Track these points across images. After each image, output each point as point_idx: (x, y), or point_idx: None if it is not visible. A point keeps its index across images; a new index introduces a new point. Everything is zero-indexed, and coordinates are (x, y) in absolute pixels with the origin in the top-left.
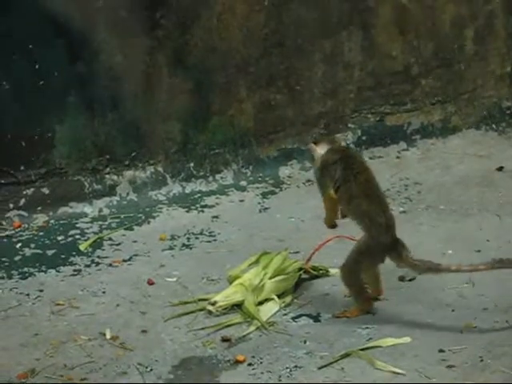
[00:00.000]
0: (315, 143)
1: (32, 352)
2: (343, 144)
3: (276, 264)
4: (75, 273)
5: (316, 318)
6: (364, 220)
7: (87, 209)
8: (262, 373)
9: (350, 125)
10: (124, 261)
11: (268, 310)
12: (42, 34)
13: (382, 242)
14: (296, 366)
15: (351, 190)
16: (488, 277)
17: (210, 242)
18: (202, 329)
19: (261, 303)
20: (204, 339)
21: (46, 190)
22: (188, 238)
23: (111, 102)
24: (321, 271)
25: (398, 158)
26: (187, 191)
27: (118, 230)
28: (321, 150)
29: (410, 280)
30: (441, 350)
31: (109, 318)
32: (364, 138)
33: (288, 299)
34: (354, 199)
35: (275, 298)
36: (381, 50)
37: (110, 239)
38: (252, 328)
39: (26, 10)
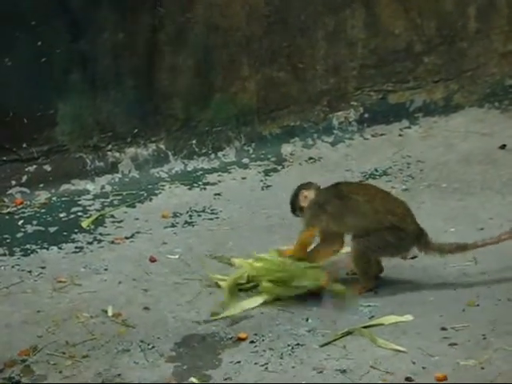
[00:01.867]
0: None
1: (34, 329)
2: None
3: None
4: (77, 250)
5: (318, 296)
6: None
7: (89, 186)
8: (264, 350)
9: (352, 102)
10: (126, 238)
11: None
12: (44, 11)
13: (411, 232)
14: (298, 344)
15: (355, 203)
16: (491, 255)
17: (212, 219)
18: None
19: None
20: (206, 316)
21: (48, 167)
22: (190, 216)
23: (113, 79)
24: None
25: (400, 135)
26: (189, 169)
27: (120, 207)
28: (311, 194)
29: (412, 258)
30: (443, 328)
31: (111, 295)
32: (366, 115)
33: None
34: (364, 206)
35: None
36: (384, 27)
37: (112, 216)
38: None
39: None
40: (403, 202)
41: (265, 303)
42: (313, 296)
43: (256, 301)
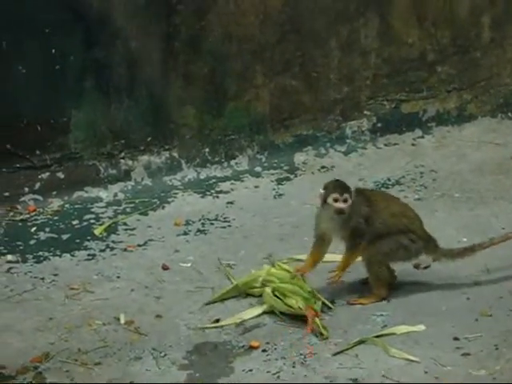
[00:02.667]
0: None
1: (46, 336)
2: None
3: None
4: (90, 257)
5: (331, 305)
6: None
7: (102, 193)
8: (276, 359)
9: (365, 112)
10: (139, 246)
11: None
12: (58, 19)
13: (420, 236)
14: (310, 353)
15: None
16: (504, 265)
17: (224, 227)
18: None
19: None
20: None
21: (61, 175)
22: (203, 224)
23: (127, 87)
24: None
25: (413, 145)
26: (202, 177)
27: (132, 214)
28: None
29: (425, 268)
30: (455, 338)
31: (123, 302)
32: (379, 125)
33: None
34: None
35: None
36: (397, 36)
37: (125, 224)
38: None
39: None
40: (411, 208)
41: (264, 313)
42: (325, 304)
43: (255, 311)
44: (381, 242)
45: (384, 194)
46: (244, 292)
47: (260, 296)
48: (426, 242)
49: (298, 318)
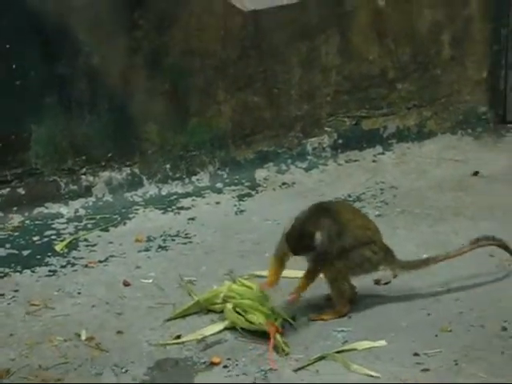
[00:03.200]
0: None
1: (7, 352)
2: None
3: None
4: (51, 273)
5: (292, 321)
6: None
7: (63, 209)
8: (238, 375)
9: (326, 128)
10: (100, 262)
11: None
12: (19, 34)
13: (380, 247)
14: (271, 369)
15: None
16: (464, 281)
17: (185, 243)
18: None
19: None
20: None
21: (21, 191)
22: (164, 240)
23: (89, 102)
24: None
25: (373, 161)
26: (163, 193)
27: (93, 230)
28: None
29: (386, 283)
30: (416, 354)
31: (84, 318)
32: (340, 141)
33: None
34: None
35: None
36: (358, 53)
37: (86, 240)
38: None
39: (3, 9)
40: (372, 220)
41: (225, 329)
42: (286, 320)
43: (216, 327)
44: (347, 257)
45: (346, 205)
46: (205, 308)
47: (221, 312)
48: (384, 253)
49: (259, 334)
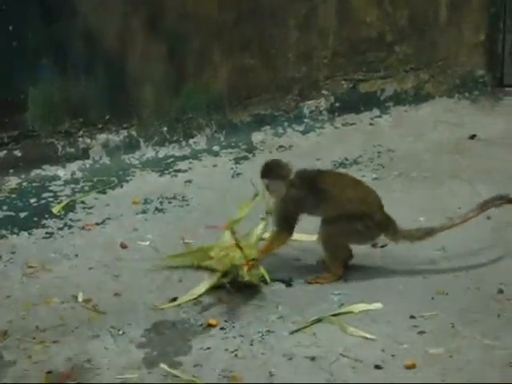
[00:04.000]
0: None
1: (4, 314)
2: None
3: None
4: (48, 235)
5: (288, 284)
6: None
7: (60, 172)
8: (234, 337)
9: (323, 91)
10: (97, 224)
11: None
12: None
13: (378, 221)
14: (268, 331)
15: (329, 195)
16: (459, 244)
17: (182, 206)
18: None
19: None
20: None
21: (18, 153)
22: (161, 202)
23: (85, 64)
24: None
25: (371, 124)
26: (160, 155)
27: (90, 193)
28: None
29: (382, 247)
30: (412, 316)
31: (81, 280)
32: (337, 104)
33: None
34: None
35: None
36: (356, 16)
37: (83, 202)
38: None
39: None
40: (373, 190)
41: (219, 288)
42: (283, 283)
43: (208, 283)
44: (335, 225)
45: (343, 177)
46: (198, 260)
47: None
48: (385, 226)
49: (257, 294)
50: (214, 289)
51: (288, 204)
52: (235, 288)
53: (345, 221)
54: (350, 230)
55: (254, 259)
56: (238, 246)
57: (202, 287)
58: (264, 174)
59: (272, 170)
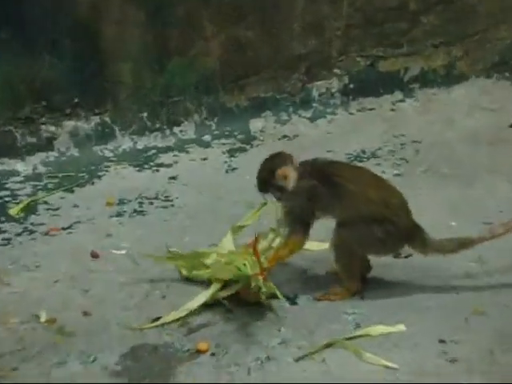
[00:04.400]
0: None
1: None
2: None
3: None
4: (5, 242)
5: (293, 301)
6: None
7: (19, 166)
8: (228, 365)
9: (335, 70)
10: (63, 229)
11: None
12: None
13: (402, 228)
14: (268, 357)
15: (346, 191)
16: (499, 254)
17: (166, 207)
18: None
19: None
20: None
21: None
22: (140, 203)
23: (50, 39)
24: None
25: (392, 110)
26: (139, 147)
27: (55, 191)
28: (292, 173)
29: (406, 257)
30: (441, 341)
31: (44, 296)
32: (352, 86)
33: None
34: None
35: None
36: None
37: (46, 203)
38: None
39: None
40: (397, 190)
41: (212, 306)
42: (286, 300)
43: (201, 298)
44: (351, 229)
45: (362, 171)
46: (191, 268)
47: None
48: (411, 235)
49: (255, 314)
50: (205, 306)
51: (300, 197)
52: (233, 305)
53: (363, 225)
54: (368, 237)
55: (265, 268)
56: (254, 250)
57: (194, 303)
58: (261, 187)
59: (269, 181)
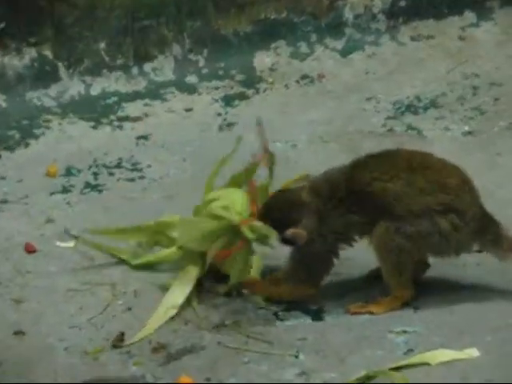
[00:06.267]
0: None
1: None
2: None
3: None
4: None
5: (316, 315)
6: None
7: None
8: None
9: None
10: None
11: None
12: None
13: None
14: None
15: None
16: None
17: (133, 180)
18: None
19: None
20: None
21: None
22: (95, 174)
23: None
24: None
25: (460, 39)
26: (94, 92)
27: None
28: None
29: (480, 251)
30: None
31: None
32: (401, 3)
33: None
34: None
35: None
36: None
37: None
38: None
39: None
40: (456, 166)
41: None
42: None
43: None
44: (402, 221)
45: (396, 157)
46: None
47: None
48: (480, 227)
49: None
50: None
51: (319, 246)
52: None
53: (414, 218)
54: (425, 231)
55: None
56: (252, 188)
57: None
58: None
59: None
